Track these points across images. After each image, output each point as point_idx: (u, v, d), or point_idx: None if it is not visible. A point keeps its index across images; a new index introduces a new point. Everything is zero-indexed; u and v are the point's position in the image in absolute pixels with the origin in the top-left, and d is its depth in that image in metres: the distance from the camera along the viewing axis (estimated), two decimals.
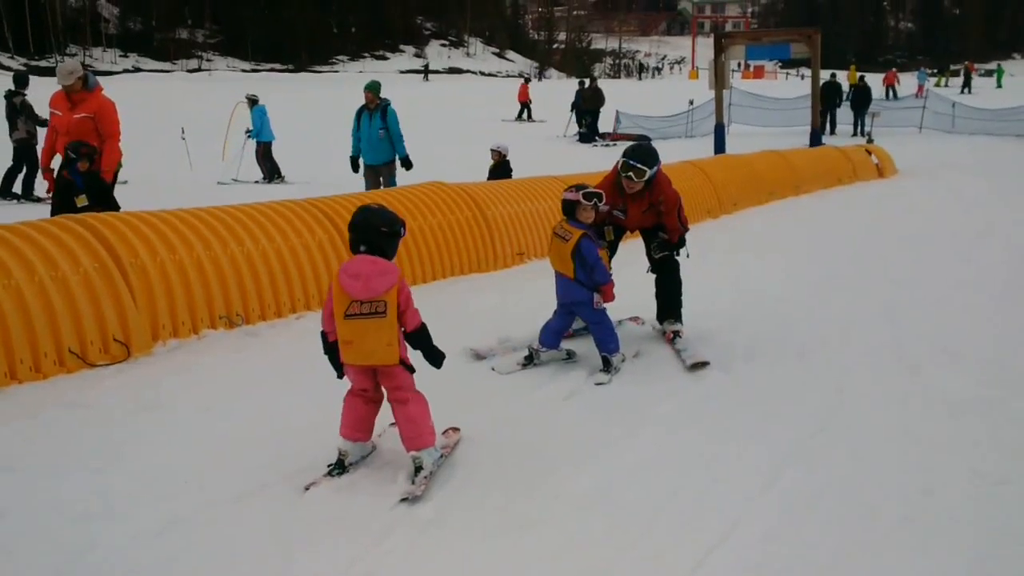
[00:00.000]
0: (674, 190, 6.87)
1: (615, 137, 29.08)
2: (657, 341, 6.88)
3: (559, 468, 4.62)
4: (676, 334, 6.81)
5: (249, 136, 19.31)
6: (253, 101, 19.46)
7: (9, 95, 15.67)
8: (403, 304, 4.39)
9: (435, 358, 4.55)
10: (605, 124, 30.00)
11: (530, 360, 6.29)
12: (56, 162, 9.34)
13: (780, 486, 4.45)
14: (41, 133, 15.56)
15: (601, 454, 4.79)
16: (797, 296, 8.45)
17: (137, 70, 70.02)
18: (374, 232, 4.45)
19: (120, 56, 72.81)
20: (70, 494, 4.13)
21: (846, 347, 6.78)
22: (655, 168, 6.59)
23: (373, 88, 12.66)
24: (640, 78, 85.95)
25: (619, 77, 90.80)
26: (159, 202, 8.54)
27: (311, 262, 7.74)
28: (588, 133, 28.87)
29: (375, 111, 12.48)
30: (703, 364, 6.27)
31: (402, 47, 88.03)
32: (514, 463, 4.66)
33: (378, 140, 12.41)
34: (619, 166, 6.60)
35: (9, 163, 15.40)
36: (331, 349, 4.53)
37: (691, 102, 31.31)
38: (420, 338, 4.50)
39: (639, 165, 6.52)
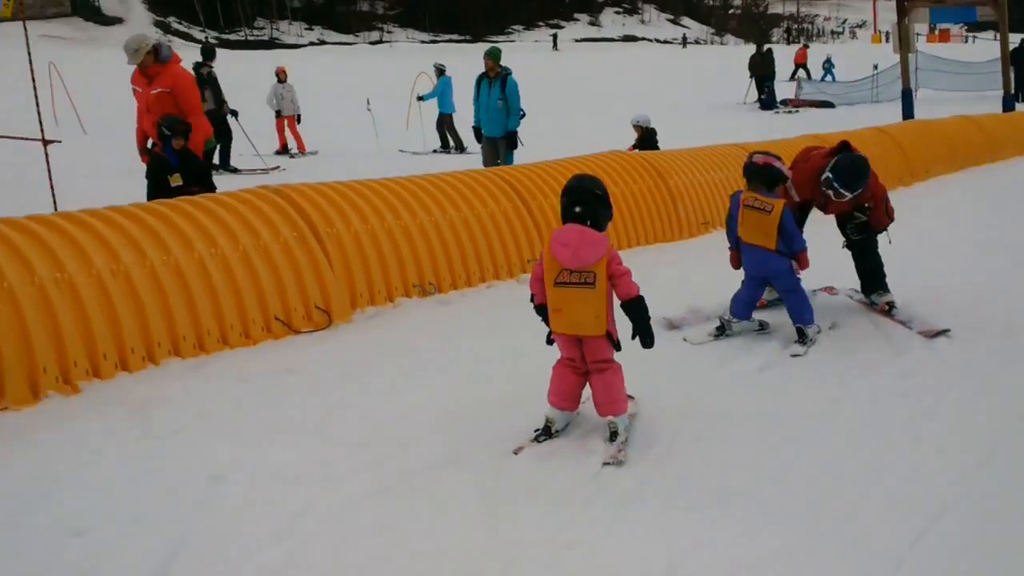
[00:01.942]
0: (881, 185, 6.60)
1: (796, 103, 28.23)
2: (854, 312, 6.68)
3: (758, 441, 4.55)
4: (891, 305, 6.57)
5: (420, 100, 19.77)
6: (440, 71, 19.77)
7: (197, 67, 16.30)
8: (615, 275, 4.39)
9: (646, 336, 4.49)
10: (787, 90, 29.10)
11: (722, 331, 6.21)
12: (149, 143, 8.96)
13: (995, 463, 4.27)
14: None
15: (801, 427, 4.70)
16: (1000, 267, 8.00)
17: (321, 43, 72.24)
18: (589, 195, 4.48)
19: (305, 29, 75.30)
20: (286, 458, 4.32)
21: None
22: (861, 190, 6.30)
23: (493, 55, 12.02)
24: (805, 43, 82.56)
25: (797, 42, 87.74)
26: (347, 172, 8.80)
27: (497, 231, 7.83)
28: (767, 100, 28.06)
29: (495, 80, 11.88)
30: (943, 332, 6.07)
31: (576, 15, 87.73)
32: (713, 435, 4.61)
33: (497, 111, 11.82)
34: (822, 177, 6.31)
35: None
36: (540, 310, 4.60)
37: (875, 66, 29.97)
38: (636, 308, 4.46)
39: (841, 190, 6.24)
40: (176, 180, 8.20)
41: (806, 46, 41.89)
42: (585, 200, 4.48)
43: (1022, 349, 5.88)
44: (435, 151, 18.59)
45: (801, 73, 36.11)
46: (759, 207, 5.96)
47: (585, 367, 4.58)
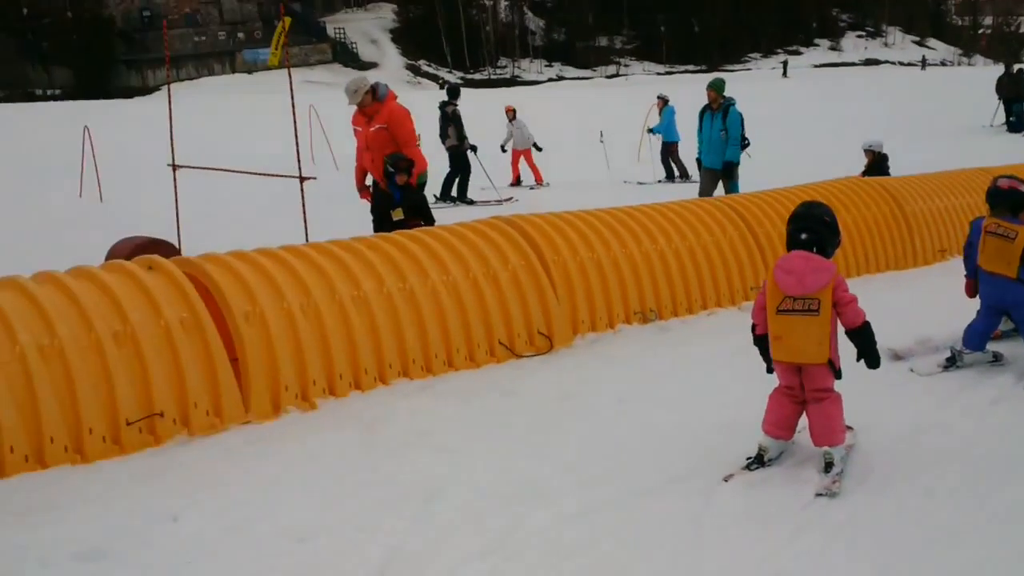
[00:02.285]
0: None
1: None
2: None
3: (986, 477, 4.32)
4: None
5: (651, 133, 19.80)
6: (664, 101, 19.90)
7: (443, 105, 17.12)
8: (840, 302, 4.31)
9: (872, 359, 4.44)
10: None
11: (952, 362, 5.92)
12: (368, 180, 9.41)
13: None
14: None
15: None
16: None
17: (560, 78, 73.76)
18: (816, 221, 4.46)
19: (545, 66, 77.19)
20: (499, 476, 4.50)
21: None
22: None
23: (717, 86, 11.90)
24: None
25: None
26: (577, 202, 8.97)
27: (722, 259, 7.77)
28: (1017, 122, 26.14)
29: (717, 111, 11.72)
30: None
31: (816, 41, 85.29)
32: (934, 470, 4.41)
33: (719, 142, 11.62)
34: None
35: (447, 169, 16.84)
36: (760, 342, 4.56)
37: None
38: (862, 336, 4.40)
39: None
40: (398, 214, 8.56)
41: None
42: (812, 227, 4.44)
43: None
44: (659, 181, 18.60)
45: None
46: (1002, 233, 5.68)
47: (803, 396, 4.49)
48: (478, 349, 6.33)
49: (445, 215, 13.07)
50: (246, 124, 29.54)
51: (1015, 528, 3.83)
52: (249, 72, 66.87)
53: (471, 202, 16.31)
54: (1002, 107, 26.90)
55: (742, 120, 11.68)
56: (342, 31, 74.31)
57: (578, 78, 73.42)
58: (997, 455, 4.54)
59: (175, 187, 10.23)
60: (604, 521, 4.02)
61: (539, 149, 19.06)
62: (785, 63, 72.77)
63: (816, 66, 77.67)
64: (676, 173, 18.89)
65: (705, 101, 11.96)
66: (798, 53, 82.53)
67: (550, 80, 72.01)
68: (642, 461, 4.63)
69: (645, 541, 3.84)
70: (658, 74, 74.02)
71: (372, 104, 8.98)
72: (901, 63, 79.20)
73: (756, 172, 11.48)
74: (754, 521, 3.96)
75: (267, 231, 9.32)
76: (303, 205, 9.77)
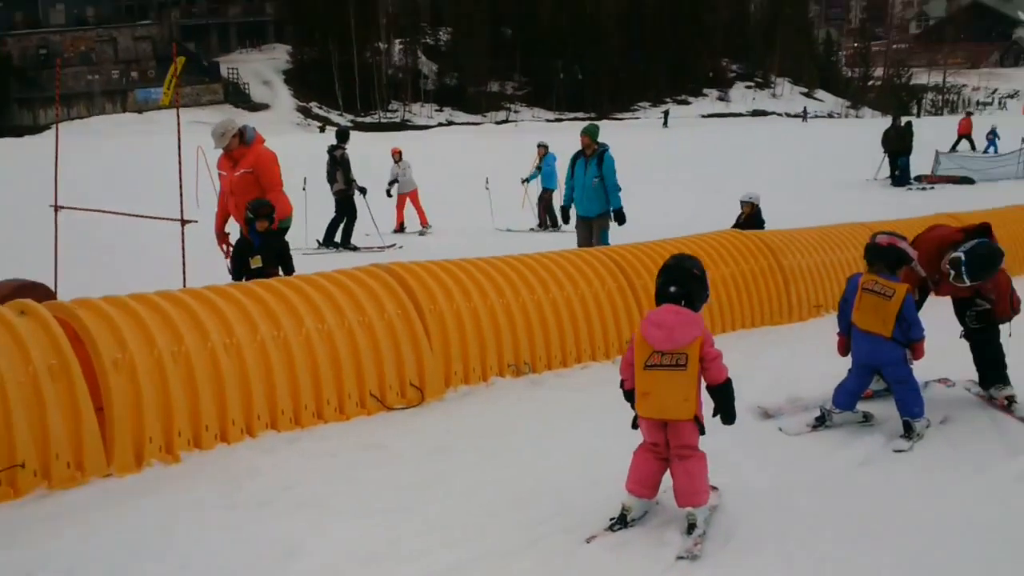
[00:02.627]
0: (1006, 276, 6.24)
1: (933, 180, 27.12)
2: (969, 407, 6.35)
3: (848, 541, 4.35)
4: (1010, 400, 6.22)
5: (524, 183, 20.22)
6: (544, 148, 20.35)
7: (331, 149, 16.98)
8: (707, 357, 4.31)
9: (728, 416, 4.45)
10: (923, 166, 28.13)
11: (821, 422, 5.97)
12: (231, 225, 9.20)
13: None
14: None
15: (897, 533, 4.45)
16: None
17: (450, 123, 74.33)
18: (686, 274, 4.43)
19: (436, 110, 77.61)
20: (362, 534, 4.37)
21: None
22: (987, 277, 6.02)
23: (591, 132, 11.65)
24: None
25: (942, 114, 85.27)
26: (460, 250, 8.92)
27: (599, 312, 7.81)
28: (901, 176, 27.09)
29: (591, 157, 11.42)
30: None
31: (705, 91, 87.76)
32: (798, 533, 4.43)
33: (592, 189, 11.34)
34: (950, 257, 5.99)
35: (332, 214, 16.66)
36: (630, 396, 4.53)
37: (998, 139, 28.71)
38: (723, 392, 4.42)
39: (967, 280, 5.93)
40: (256, 262, 8.26)
41: (970, 114, 40.28)
42: (681, 280, 4.43)
43: None
44: (531, 229, 18.81)
45: (964, 145, 34.72)
46: (879, 291, 5.72)
47: (667, 453, 4.46)
48: (348, 400, 6.19)
49: (326, 262, 12.90)
50: (132, 164, 28.87)
51: None
52: (140, 112, 65.69)
53: (355, 248, 16.15)
54: (887, 160, 27.57)
55: (615, 167, 11.55)
56: (235, 71, 73.54)
57: (468, 123, 74.02)
58: (860, 522, 4.56)
59: (55, 228, 9.86)
60: None
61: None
62: (666, 113, 74.07)
63: (704, 116, 79.87)
64: (548, 222, 19.13)
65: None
66: (686, 103, 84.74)
67: (440, 124, 72.36)
68: (507, 520, 4.55)
69: None
70: (548, 120, 75.00)
71: (239, 148, 8.80)
72: (788, 114, 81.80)
73: (631, 223, 11.52)
74: None
75: (148, 275, 9.05)
76: (183, 249, 9.51)
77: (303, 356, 6.04)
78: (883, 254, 5.83)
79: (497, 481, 5.08)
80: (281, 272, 8.26)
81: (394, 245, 16.53)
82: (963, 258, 5.88)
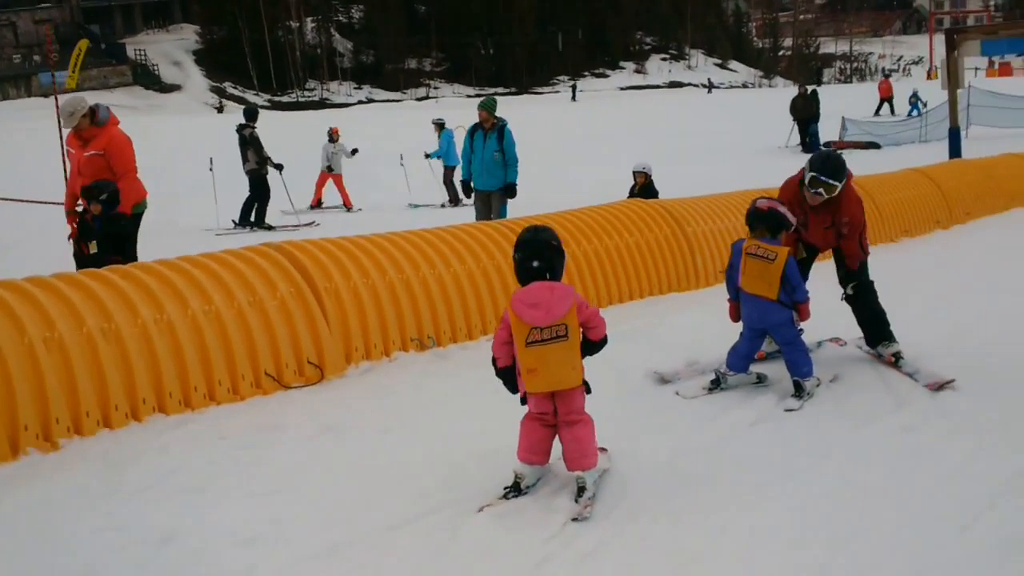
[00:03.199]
0: (862, 211, 6.44)
1: (841, 145, 27.61)
2: (859, 364, 6.45)
3: (736, 499, 4.38)
4: (897, 356, 6.33)
5: (428, 158, 20.23)
6: (440, 125, 20.39)
7: (240, 128, 16.63)
8: (589, 321, 4.34)
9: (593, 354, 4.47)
10: (831, 132, 28.69)
11: (717, 384, 6.02)
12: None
13: (982, 527, 4.04)
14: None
15: (781, 488, 4.50)
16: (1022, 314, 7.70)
17: (370, 100, 73.39)
18: (545, 247, 4.39)
19: (354, 88, 76.62)
20: (245, 516, 4.26)
21: None
22: (844, 181, 6.18)
23: (489, 106, 11.63)
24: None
25: (851, 82, 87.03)
26: (378, 226, 8.77)
27: (502, 283, 7.74)
28: (812, 143, 27.59)
29: (490, 131, 11.41)
30: (947, 384, 5.80)
31: (622, 64, 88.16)
32: (687, 493, 4.45)
33: (492, 163, 11.35)
34: (806, 180, 6.19)
35: (247, 194, 16.38)
36: (503, 374, 4.51)
37: (924, 104, 29.37)
38: (598, 348, 4.45)
39: (830, 181, 6.12)
40: (93, 247, 7.83)
41: (887, 77, 40.86)
42: (541, 253, 4.39)
43: None
44: (443, 205, 18.77)
45: (885, 109, 35.34)
46: (762, 255, 5.78)
47: (555, 420, 4.46)
48: (242, 381, 6.05)
49: (240, 241, 12.63)
50: (33, 149, 28.04)
51: (752, 554, 3.87)
52: (46, 95, 63.70)
53: (270, 228, 15.90)
54: (796, 128, 28.07)
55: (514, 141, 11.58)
56: (143, 53, 71.57)
57: (388, 100, 73.29)
58: (747, 479, 4.60)
59: None
60: (346, 562, 3.85)
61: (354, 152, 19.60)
62: (574, 86, 74.13)
63: (622, 88, 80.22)
64: (448, 197, 19.14)
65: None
66: (604, 75, 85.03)
67: (359, 103, 71.48)
68: (397, 494, 4.48)
69: None
70: (468, 96, 74.51)
71: (89, 128, 8.40)
72: (703, 85, 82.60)
73: (535, 198, 11.43)
74: (499, 554, 3.87)
75: (34, 259, 8.75)
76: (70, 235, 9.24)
77: (190, 338, 5.87)
78: (764, 218, 5.88)
79: (390, 456, 5.02)
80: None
81: (312, 223, 16.31)
82: (810, 169, 6.12)
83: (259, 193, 16.30)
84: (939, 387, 5.81)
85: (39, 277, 5.89)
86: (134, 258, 7.94)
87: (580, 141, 31.94)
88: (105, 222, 7.94)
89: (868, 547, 3.90)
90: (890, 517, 4.15)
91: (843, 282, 6.47)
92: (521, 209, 10.83)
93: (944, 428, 5.22)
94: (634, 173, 12.70)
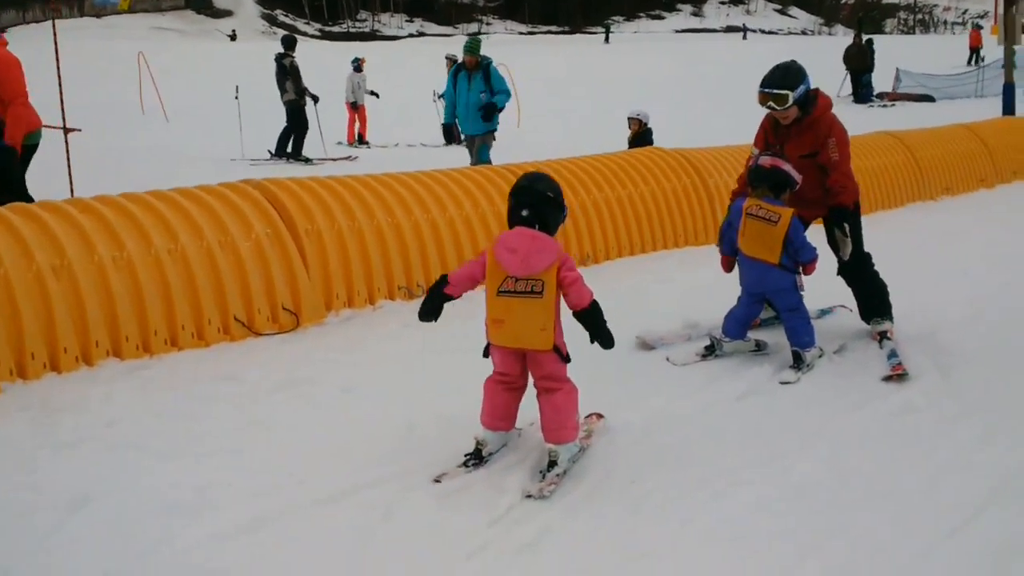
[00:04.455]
0: (844, 135, 5.73)
1: (894, 97, 26.92)
2: (865, 337, 5.92)
3: (705, 486, 3.96)
4: (883, 336, 5.79)
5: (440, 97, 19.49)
6: (453, 61, 19.53)
7: (279, 58, 16.19)
8: (566, 283, 3.96)
9: (604, 339, 4.03)
10: (884, 83, 27.73)
11: (711, 351, 5.59)
12: None
13: (975, 531, 3.60)
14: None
15: (758, 473, 4.07)
16: None
17: (421, 34, 72.59)
18: (539, 197, 4.07)
19: (406, 21, 75.77)
20: (170, 481, 3.92)
21: None
22: (802, 89, 5.50)
23: (473, 48, 11.04)
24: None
25: (914, 32, 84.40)
26: (405, 163, 8.34)
27: (502, 230, 7.30)
28: (865, 94, 26.73)
29: (475, 72, 10.86)
30: (900, 377, 5.22)
31: (679, 6, 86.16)
32: (654, 476, 4.03)
33: (478, 105, 10.82)
34: (764, 104, 5.58)
35: (284, 124, 16.06)
36: (435, 296, 4.31)
37: (982, 58, 28.25)
38: (590, 316, 4.01)
39: (775, 91, 5.49)
40: None
41: (978, 27, 39.54)
42: (533, 202, 4.05)
43: None
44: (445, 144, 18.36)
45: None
46: (764, 216, 5.35)
47: (521, 383, 4.18)
48: (208, 326, 5.72)
49: (275, 172, 12.25)
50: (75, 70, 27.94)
51: (708, 552, 3.47)
52: (98, 16, 63.71)
53: (308, 160, 15.58)
54: (849, 78, 27.38)
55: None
56: None
57: (439, 34, 72.35)
58: (721, 461, 4.19)
59: None
60: (269, 536, 3.51)
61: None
62: (607, 27, 72.04)
63: (677, 31, 78.47)
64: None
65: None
66: (660, 18, 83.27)
67: (410, 36, 70.68)
68: (343, 461, 4.13)
69: (298, 563, 3.35)
70: (520, 33, 73.67)
71: None
72: (763, 31, 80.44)
73: (535, 144, 10.87)
74: (431, 538, 3.50)
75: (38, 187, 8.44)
76: (67, 159, 8.98)
77: (151, 278, 5.54)
78: (767, 176, 5.43)
79: (346, 417, 4.67)
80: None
81: (351, 157, 15.99)
82: (760, 88, 5.53)
83: (296, 124, 15.95)
84: (888, 377, 5.23)
85: None
86: (27, 199, 7.12)
87: (604, 86, 30.91)
88: None
89: (841, 550, 3.47)
90: (872, 514, 3.71)
91: (834, 223, 5.67)
92: (511, 156, 10.24)
93: (951, 411, 4.73)
94: (629, 119, 11.97)
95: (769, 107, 5.57)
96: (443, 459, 4.15)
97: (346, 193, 6.77)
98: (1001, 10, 21.15)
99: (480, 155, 10.84)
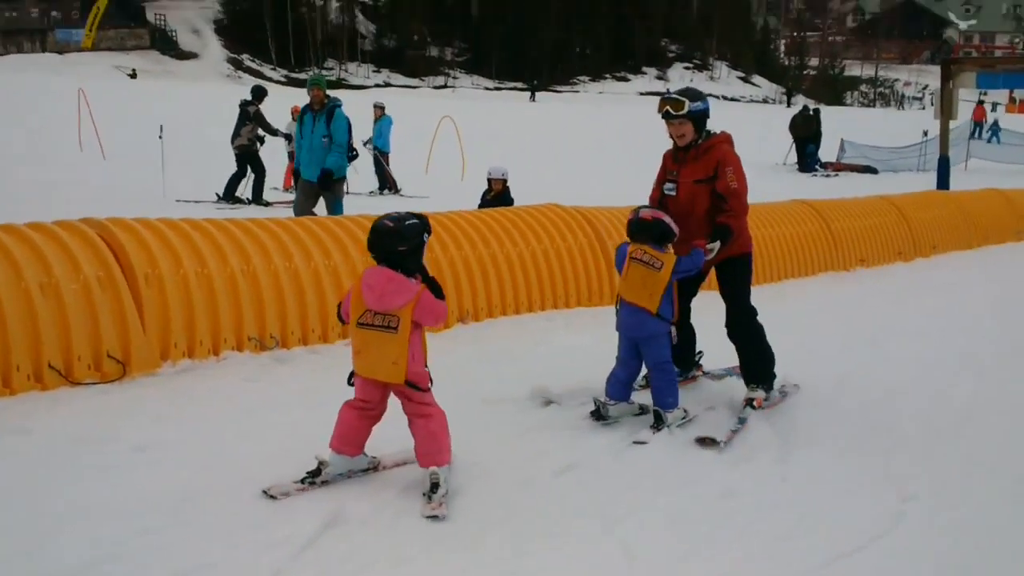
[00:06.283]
0: (740, 169, 5.61)
1: (837, 167, 27.14)
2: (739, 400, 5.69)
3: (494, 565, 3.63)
4: (750, 402, 5.56)
5: (365, 146, 19.05)
6: (381, 110, 19.76)
7: (245, 104, 15.98)
8: (423, 319, 4.23)
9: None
10: (829, 153, 27.93)
11: (598, 415, 5.33)
12: None
13: None
14: (276, 143, 16.59)
15: (544, 558, 3.74)
16: (946, 364, 6.92)
17: (387, 84, 72.56)
18: (388, 252, 4.23)
19: (373, 71, 75.88)
20: None
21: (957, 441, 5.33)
22: (699, 104, 5.44)
23: (319, 82, 10.29)
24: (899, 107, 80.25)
25: (874, 106, 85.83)
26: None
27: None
28: (809, 163, 26.87)
29: (320, 113, 10.04)
30: (709, 442, 5.03)
31: (644, 69, 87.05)
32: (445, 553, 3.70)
33: (320, 149, 9.92)
34: (663, 113, 5.48)
35: (233, 169, 15.76)
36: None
37: (925, 133, 28.49)
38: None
39: (672, 96, 5.45)
40: None
41: (982, 103, 39.93)
42: (383, 257, 4.24)
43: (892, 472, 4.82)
44: (371, 193, 18.19)
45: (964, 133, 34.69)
46: (648, 262, 5.21)
47: (379, 411, 4.36)
48: (17, 373, 5.30)
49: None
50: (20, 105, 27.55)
51: None
52: (60, 52, 63.33)
53: (267, 204, 15.26)
54: (795, 147, 27.67)
55: (350, 126, 10.21)
56: (163, 18, 71.19)
57: (405, 86, 72.51)
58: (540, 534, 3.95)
59: None
60: None
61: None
62: (534, 84, 72.04)
63: (641, 94, 79.11)
64: (387, 185, 18.55)
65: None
66: (625, 79, 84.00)
67: (376, 86, 70.72)
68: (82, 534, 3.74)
69: None
70: (486, 88, 73.94)
71: None
72: (725, 97, 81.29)
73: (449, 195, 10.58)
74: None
75: None
76: None
77: None
78: (649, 228, 5.31)
79: (122, 487, 4.23)
80: None
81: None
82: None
83: (254, 169, 15.75)
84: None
85: None
86: None
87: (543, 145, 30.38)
88: None
89: None
90: None
91: (716, 235, 5.46)
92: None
93: (769, 499, 4.44)
94: (489, 180, 11.12)
95: (665, 113, 5.47)
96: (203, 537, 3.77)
97: (199, 236, 6.41)
98: (939, 85, 21.39)
99: (334, 207, 10.10)
